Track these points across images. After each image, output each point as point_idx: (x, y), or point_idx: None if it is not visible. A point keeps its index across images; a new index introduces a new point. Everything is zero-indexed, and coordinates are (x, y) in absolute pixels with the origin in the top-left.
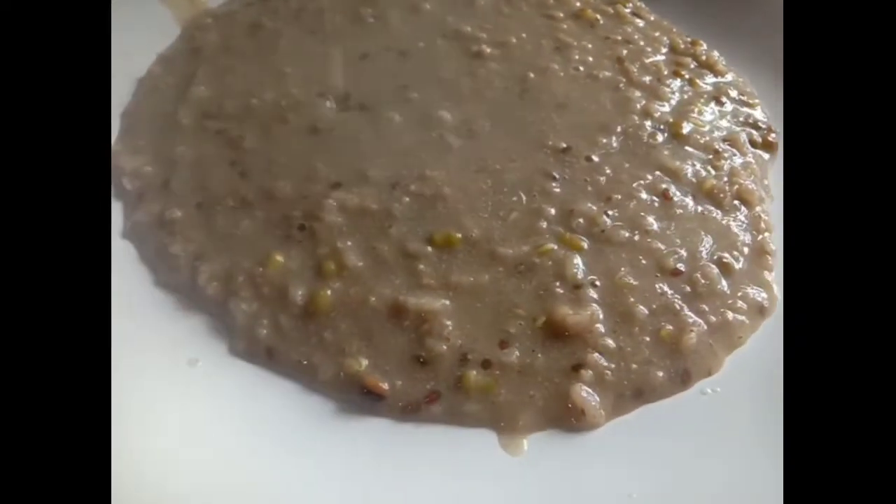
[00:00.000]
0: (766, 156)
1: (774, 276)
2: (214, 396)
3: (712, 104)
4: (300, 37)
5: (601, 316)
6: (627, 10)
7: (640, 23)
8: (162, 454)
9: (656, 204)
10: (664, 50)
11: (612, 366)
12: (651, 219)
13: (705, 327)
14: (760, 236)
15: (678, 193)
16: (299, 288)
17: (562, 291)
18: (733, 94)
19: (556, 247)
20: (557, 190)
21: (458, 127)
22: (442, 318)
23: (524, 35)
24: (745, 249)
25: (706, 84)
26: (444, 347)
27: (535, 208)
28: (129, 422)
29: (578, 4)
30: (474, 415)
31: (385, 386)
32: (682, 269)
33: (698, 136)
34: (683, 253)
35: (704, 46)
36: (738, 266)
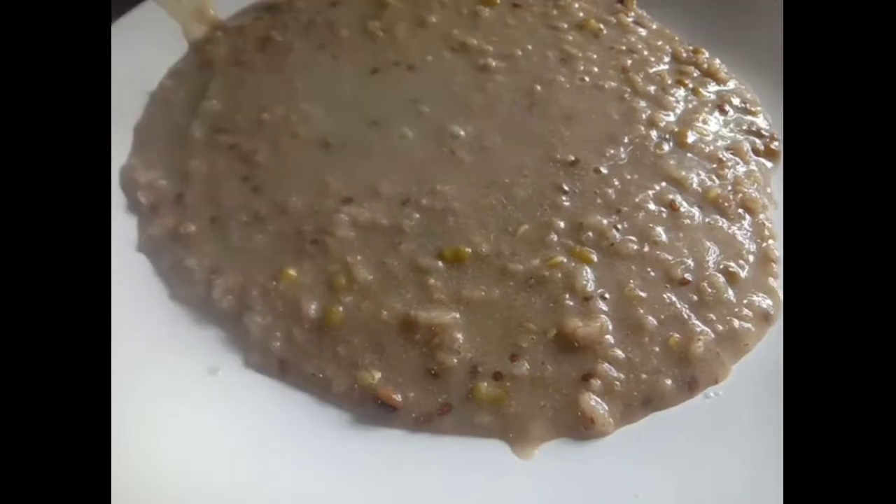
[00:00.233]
0: (768, 164)
1: (779, 284)
2: (232, 407)
3: (716, 113)
4: (310, 51)
5: (610, 327)
6: (630, 20)
7: (643, 31)
8: (177, 462)
9: (664, 214)
10: (666, 59)
11: (622, 376)
12: (659, 229)
13: (712, 336)
14: (764, 244)
15: (685, 204)
16: (312, 302)
17: (571, 304)
18: (736, 101)
19: (565, 259)
20: (567, 203)
21: (469, 142)
22: (452, 332)
23: (530, 47)
24: (750, 258)
25: (709, 92)
26: (455, 360)
27: (545, 222)
28: (146, 430)
29: (581, 15)
30: (486, 426)
31: (398, 398)
32: (690, 278)
33: (703, 146)
34: (691, 263)
35: (706, 54)
36: (743, 275)
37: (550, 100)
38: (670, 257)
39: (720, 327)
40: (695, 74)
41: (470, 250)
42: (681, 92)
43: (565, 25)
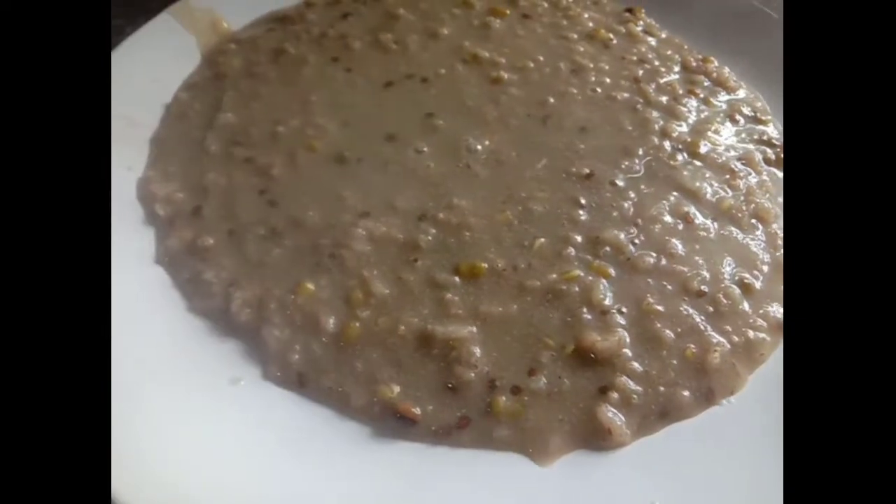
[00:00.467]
0: (779, 174)
1: None
2: (252, 417)
3: (727, 123)
4: (324, 64)
5: (628, 340)
6: (639, 29)
7: (653, 41)
8: (195, 472)
9: (680, 227)
10: (676, 69)
11: (640, 389)
12: (675, 242)
13: (728, 347)
14: (777, 253)
15: (699, 215)
16: (330, 316)
17: (589, 317)
18: (746, 111)
19: (582, 273)
20: (584, 217)
21: (485, 156)
22: (469, 346)
23: (541, 58)
24: (765, 268)
25: (720, 102)
26: (472, 375)
27: (562, 236)
28: (160, 440)
29: (591, 25)
30: (504, 439)
31: (417, 411)
32: (706, 290)
33: (715, 156)
34: (706, 274)
35: (715, 63)
36: (758, 285)
37: (564, 112)
38: (686, 269)
39: (736, 338)
40: (705, 84)
41: (486, 265)
42: (692, 102)
43: (575, 36)
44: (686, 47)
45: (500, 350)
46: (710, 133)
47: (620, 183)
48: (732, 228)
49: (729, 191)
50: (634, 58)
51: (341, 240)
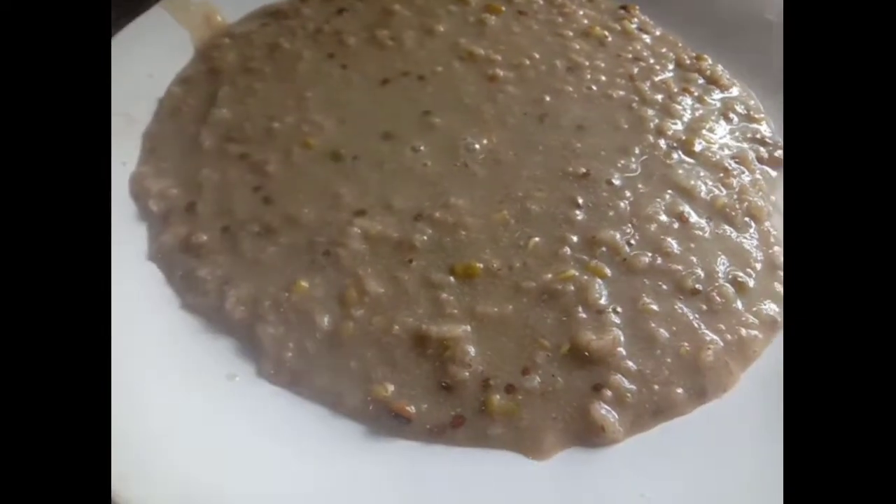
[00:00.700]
0: (773, 172)
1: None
2: (246, 416)
3: (721, 121)
4: (319, 60)
5: (623, 339)
6: (634, 26)
7: (647, 38)
8: (191, 470)
9: (675, 226)
10: (671, 66)
11: (634, 388)
12: (670, 241)
13: (722, 344)
14: (770, 250)
15: (693, 214)
16: (325, 315)
17: (584, 316)
18: (740, 109)
19: (577, 273)
20: (580, 217)
21: (482, 155)
22: (463, 345)
23: (537, 55)
24: (758, 266)
25: (714, 100)
26: (467, 374)
27: (558, 236)
28: (159, 434)
29: (586, 22)
30: (499, 437)
31: (412, 410)
32: (700, 288)
33: (710, 154)
34: (701, 273)
35: (709, 61)
36: (751, 284)
37: (561, 110)
38: (681, 268)
39: (729, 336)
40: (699, 82)
41: (481, 265)
42: (687, 100)
43: (570, 33)
44: (680, 45)
45: (494, 349)
46: (704, 131)
47: (617, 182)
48: (726, 227)
49: (723, 189)
50: (629, 55)
51: (336, 238)
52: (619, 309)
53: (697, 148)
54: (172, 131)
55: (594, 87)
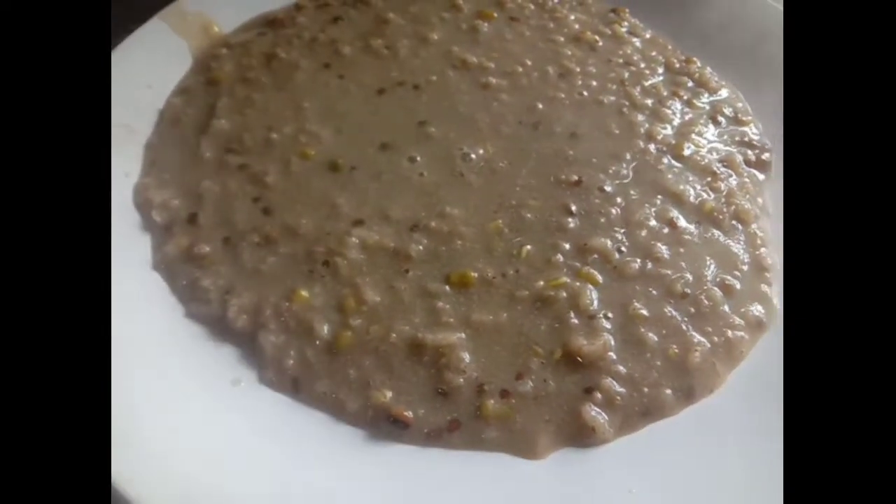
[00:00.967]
0: (760, 176)
1: (772, 291)
2: (248, 421)
3: (710, 124)
4: (316, 69)
5: (613, 344)
6: (624, 30)
7: (637, 42)
8: (193, 475)
9: (665, 231)
10: (660, 70)
11: (623, 391)
12: (660, 246)
13: (709, 346)
14: (757, 252)
15: (682, 219)
16: (324, 323)
17: (576, 322)
18: (728, 111)
19: (569, 280)
20: (573, 225)
21: (478, 164)
22: (458, 352)
23: (529, 62)
24: (745, 268)
25: (703, 103)
26: (462, 380)
27: (551, 244)
28: (163, 438)
29: (577, 27)
30: (494, 440)
31: (409, 415)
32: (689, 292)
33: (698, 159)
34: (690, 277)
35: (698, 64)
36: (738, 286)
37: (554, 117)
38: (670, 273)
39: (716, 338)
40: (688, 85)
41: (476, 274)
42: (677, 104)
43: (562, 38)
44: (670, 48)
45: (489, 356)
46: (693, 135)
47: (608, 189)
48: (714, 230)
49: (711, 193)
50: (620, 60)
51: (335, 248)
52: (609, 314)
53: (686, 152)
54: (173, 143)
55: (585, 93)
